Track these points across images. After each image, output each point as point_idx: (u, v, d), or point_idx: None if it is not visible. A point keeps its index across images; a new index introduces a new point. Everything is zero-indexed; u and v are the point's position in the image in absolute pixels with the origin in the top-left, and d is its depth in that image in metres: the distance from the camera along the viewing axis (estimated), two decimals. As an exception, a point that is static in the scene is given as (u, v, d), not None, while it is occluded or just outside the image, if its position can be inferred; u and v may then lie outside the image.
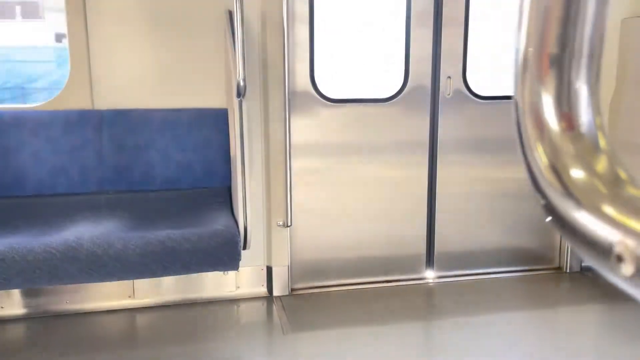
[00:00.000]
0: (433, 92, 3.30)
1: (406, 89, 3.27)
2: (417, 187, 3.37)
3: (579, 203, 0.44)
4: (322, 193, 3.25)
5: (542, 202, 0.47)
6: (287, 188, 3.07)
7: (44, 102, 2.87)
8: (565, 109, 0.46)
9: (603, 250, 0.41)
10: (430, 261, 3.45)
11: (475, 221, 3.48)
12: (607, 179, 0.45)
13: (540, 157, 0.47)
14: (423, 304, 3.21)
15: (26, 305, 2.94)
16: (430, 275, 3.45)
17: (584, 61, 0.46)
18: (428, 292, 3.33)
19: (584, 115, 0.47)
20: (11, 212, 2.68)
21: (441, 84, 3.29)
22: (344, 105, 3.22)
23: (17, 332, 2.76)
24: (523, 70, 0.48)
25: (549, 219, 0.47)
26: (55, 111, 2.81)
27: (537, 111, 0.47)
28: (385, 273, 3.39)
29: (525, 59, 0.49)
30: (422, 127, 3.32)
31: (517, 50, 0.50)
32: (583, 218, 0.44)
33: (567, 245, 3.55)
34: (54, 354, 2.54)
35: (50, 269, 2.22)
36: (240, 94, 2.42)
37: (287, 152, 3.05)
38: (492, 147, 3.42)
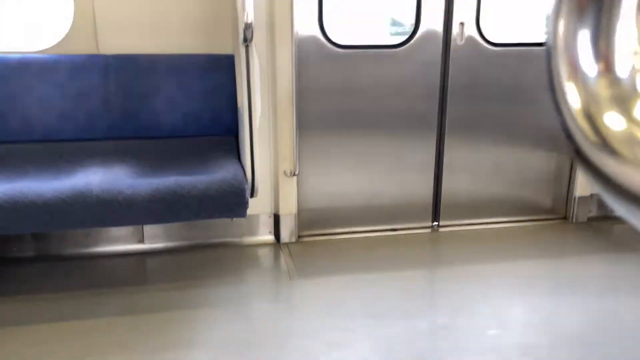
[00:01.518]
0: (445, 38, 3.21)
1: (417, 36, 3.18)
2: (426, 136, 3.35)
3: (613, 151, 0.41)
4: (330, 142, 3.24)
5: (573, 148, 0.44)
6: (294, 136, 3.06)
7: (48, 47, 2.83)
8: (604, 48, 0.42)
9: (638, 199, 0.39)
10: (436, 210, 3.47)
11: (483, 170, 3.47)
12: None
13: (573, 101, 0.44)
14: (428, 253, 3.25)
15: (38, 248, 3.00)
16: (436, 224, 3.47)
17: None
18: (434, 241, 3.36)
19: (624, 56, 0.42)
20: (20, 157, 2.70)
21: (454, 30, 3.20)
22: (353, 51, 3.15)
23: (29, 274, 2.84)
24: (558, 3, 0.44)
25: (579, 166, 0.45)
26: (60, 55, 2.78)
27: (572, 50, 0.43)
28: (392, 222, 3.41)
29: None
30: (433, 75, 3.26)
31: None
32: (617, 166, 0.41)
33: (575, 195, 3.55)
34: (66, 295, 2.61)
35: (61, 214, 2.25)
36: (247, 39, 2.37)
37: (294, 100, 3.01)
38: (504, 96, 3.36)
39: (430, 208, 3.46)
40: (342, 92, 3.18)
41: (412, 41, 3.19)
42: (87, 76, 2.77)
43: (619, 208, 0.42)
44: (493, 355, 2.16)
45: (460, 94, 3.30)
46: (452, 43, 3.21)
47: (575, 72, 0.44)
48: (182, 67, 2.87)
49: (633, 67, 0.42)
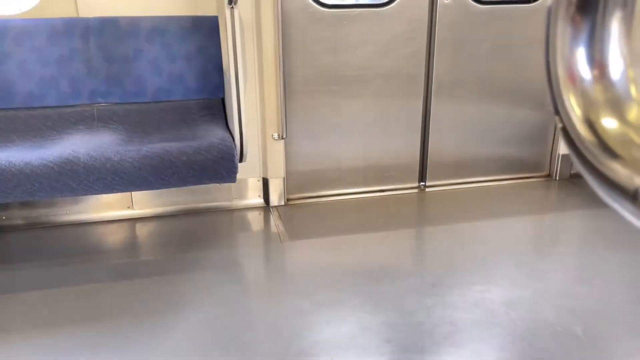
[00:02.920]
0: (431, -3, 3.18)
1: (403, -6, 3.14)
2: (412, 97, 3.35)
3: (608, 149, 0.44)
4: (317, 104, 3.23)
5: (567, 140, 0.47)
6: (281, 99, 3.04)
7: (25, 11, 2.75)
8: (598, 56, 0.45)
9: (629, 193, 0.42)
10: (423, 171, 3.51)
11: (469, 130, 3.50)
12: (639, 127, 0.44)
13: (572, 105, 0.47)
14: (416, 212, 3.31)
15: (27, 216, 3.00)
16: (423, 184, 3.52)
17: (618, 1, 0.44)
18: (421, 201, 3.41)
19: (616, 64, 0.45)
20: (3, 125, 2.66)
21: (440, -12, 3.16)
22: (339, 11, 3.11)
23: (18, 241, 2.84)
24: (555, 15, 0.46)
25: (573, 157, 0.47)
26: (39, 19, 2.70)
27: (569, 58, 0.46)
28: (380, 183, 3.45)
29: (557, 2, 0.47)
30: (419, 35, 3.24)
31: None
32: (610, 163, 0.44)
33: (558, 153, 3.61)
34: (55, 262, 2.63)
35: (49, 182, 2.24)
36: (233, 1, 2.33)
37: (280, 62, 2.98)
38: (490, 55, 3.36)
39: (417, 168, 3.50)
40: (328, 52, 3.15)
41: (398, 0, 3.15)
42: (67, 40, 2.71)
43: (612, 202, 0.45)
44: (479, 310, 2.23)
45: (447, 53, 3.30)
46: (439, 1, 3.18)
47: (573, 76, 0.46)
48: (165, 29, 2.82)
49: (625, 74, 0.45)
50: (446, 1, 3.18)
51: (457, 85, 3.38)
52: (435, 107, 3.38)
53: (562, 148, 3.60)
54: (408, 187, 3.49)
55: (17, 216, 2.99)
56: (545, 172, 3.71)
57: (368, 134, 3.35)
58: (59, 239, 2.86)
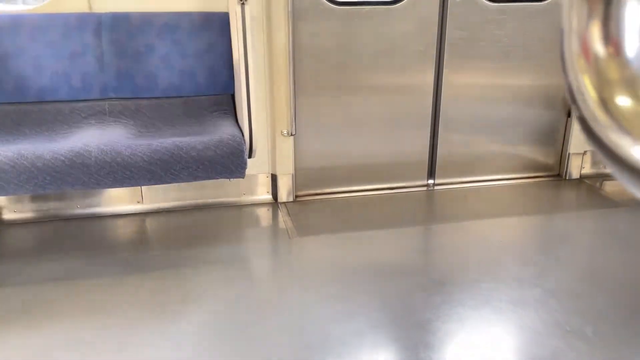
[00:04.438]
0: (442, -6, 3.17)
1: (414, -9, 3.14)
2: (422, 94, 3.34)
3: (623, 129, 0.44)
4: (327, 100, 3.23)
5: (584, 128, 0.47)
6: (291, 96, 3.05)
7: (39, 5, 2.77)
8: (614, 33, 0.45)
9: None
10: (432, 168, 3.50)
11: (478, 128, 3.49)
12: None
13: (587, 86, 0.46)
14: (424, 210, 3.30)
15: (38, 210, 3.03)
16: (432, 182, 3.51)
17: None
18: (429, 199, 3.41)
19: (631, 41, 0.45)
20: (15, 119, 2.68)
21: (451, -15, 3.15)
22: (349, 8, 3.11)
23: (29, 235, 2.87)
24: None
25: (591, 144, 0.47)
26: (52, 14, 2.73)
27: (584, 36, 0.45)
28: (388, 180, 3.45)
29: None
30: (430, 32, 3.23)
31: None
32: (627, 144, 0.43)
33: (568, 152, 3.58)
34: (66, 255, 2.65)
35: (60, 176, 2.26)
36: (243, -3, 2.34)
37: (290, 58, 2.99)
38: (500, 53, 3.34)
39: (426, 166, 3.49)
40: (338, 49, 3.15)
41: (409, -3, 3.14)
42: (80, 35, 2.73)
43: (625, 180, 0.45)
44: (486, 308, 2.23)
45: (457, 51, 3.28)
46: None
47: (588, 55, 0.46)
48: (176, 26, 2.83)
49: None
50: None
51: (466, 83, 3.37)
52: (445, 104, 3.37)
53: (573, 147, 3.58)
54: (417, 185, 3.49)
55: (28, 209, 3.02)
56: (555, 172, 3.69)
57: (377, 131, 3.35)
58: (69, 233, 2.89)
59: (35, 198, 3.01)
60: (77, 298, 2.31)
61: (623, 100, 0.45)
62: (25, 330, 2.11)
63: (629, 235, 2.84)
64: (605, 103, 0.45)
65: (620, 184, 0.47)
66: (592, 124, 0.46)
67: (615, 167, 0.45)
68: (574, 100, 0.48)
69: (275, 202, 3.26)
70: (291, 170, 3.23)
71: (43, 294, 2.34)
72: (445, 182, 3.52)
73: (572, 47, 0.47)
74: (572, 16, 0.47)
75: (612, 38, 0.45)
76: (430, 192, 3.46)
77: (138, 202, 3.12)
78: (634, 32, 0.45)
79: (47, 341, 2.05)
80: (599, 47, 0.46)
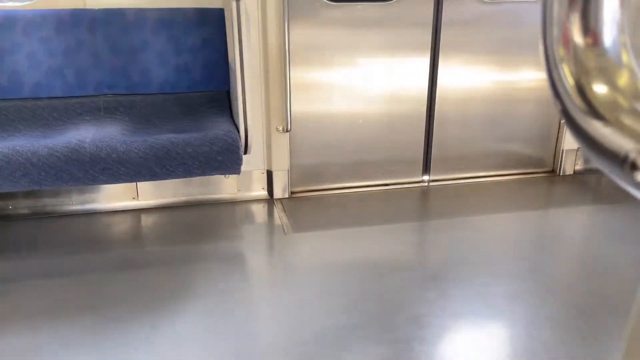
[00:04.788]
0: (437, -9, 3.17)
1: (409, -12, 3.14)
2: (417, 91, 3.35)
3: (599, 115, 0.46)
4: (322, 97, 3.23)
5: (562, 111, 0.49)
6: (286, 92, 3.05)
7: (33, 2, 2.76)
8: (593, 24, 0.47)
9: (619, 158, 0.44)
10: (427, 165, 3.51)
11: (473, 125, 3.50)
12: (628, 92, 0.46)
13: (566, 75, 0.48)
14: (419, 206, 3.32)
15: (33, 206, 3.02)
16: (427, 178, 3.52)
17: None
18: (424, 195, 3.42)
19: (609, 31, 0.47)
20: (10, 115, 2.68)
21: (446, -18, 3.16)
22: (345, 4, 3.11)
23: (24, 231, 2.87)
24: None
25: (568, 128, 0.50)
26: (47, 10, 2.72)
27: (564, 27, 0.48)
28: (383, 177, 3.46)
29: None
30: (424, 29, 3.24)
31: None
32: (601, 128, 0.46)
33: (563, 148, 3.60)
34: (60, 252, 2.65)
35: (55, 172, 2.26)
36: (239, -7, 2.34)
37: (285, 55, 2.99)
38: (495, 50, 3.35)
39: (421, 163, 3.50)
40: (333, 46, 3.16)
41: (404, -6, 3.15)
42: (74, 31, 2.73)
43: (602, 166, 0.47)
44: (481, 303, 2.25)
45: (452, 49, 3.29)
46: (445, -4, 3.18)
47: (568, 45, 0.48)
48: (171, 21, 2.83)
49: (618, 40, 0.47)
50: (452, -5, 3.18)
51: (461, 80, 3.38)
52: (440, 101, 3.38)
53: (567, 144, 3.60)
54: (412, 182, 3.50)
55: (23, 205, 3.01)
56: (549, 168, 3.71)
57: (373, 128, 3.36)
58: (65, 229, 2.89)
59: (30, 194, 3.00)
60: (70, 295, 2.31)
61: (599, 88, 0.48)
62: (19, 327, 2.11)
63: (623, 231, 2.87)
64: (583, 90, 0.48)
65: (614, 181, 0.49)
66: (572, 112, 0.48)
67: (594, 153, 0.47)
68: (555, 91, 0.50)
69: (270, 199, 3.26)
70: (287, 166, 3.24)
71: (36, 290, 2.34)
72: (440, 179, 3.53)
73: (553, 37, 0.50)
74: (553, 7, 0.49)
75: (591, 29, 0.47)
76: (425, 188, 3.48)
77: (133, 199, 3.12)
78: (612, 23, 0.47)
79: (38, 338, 2.05)
80: (578, 37, 0.48)
